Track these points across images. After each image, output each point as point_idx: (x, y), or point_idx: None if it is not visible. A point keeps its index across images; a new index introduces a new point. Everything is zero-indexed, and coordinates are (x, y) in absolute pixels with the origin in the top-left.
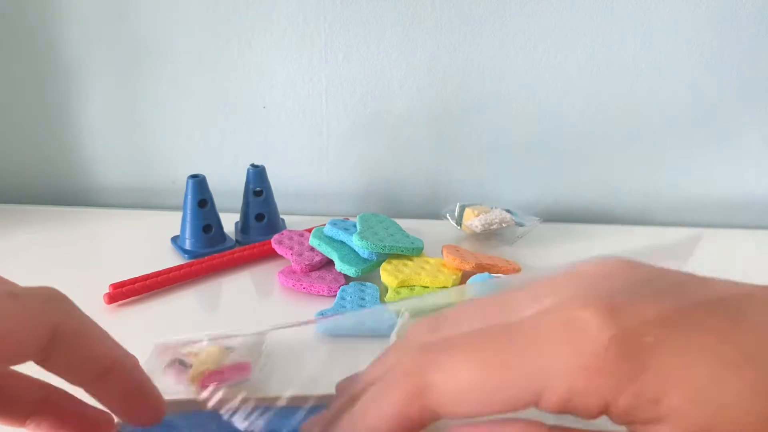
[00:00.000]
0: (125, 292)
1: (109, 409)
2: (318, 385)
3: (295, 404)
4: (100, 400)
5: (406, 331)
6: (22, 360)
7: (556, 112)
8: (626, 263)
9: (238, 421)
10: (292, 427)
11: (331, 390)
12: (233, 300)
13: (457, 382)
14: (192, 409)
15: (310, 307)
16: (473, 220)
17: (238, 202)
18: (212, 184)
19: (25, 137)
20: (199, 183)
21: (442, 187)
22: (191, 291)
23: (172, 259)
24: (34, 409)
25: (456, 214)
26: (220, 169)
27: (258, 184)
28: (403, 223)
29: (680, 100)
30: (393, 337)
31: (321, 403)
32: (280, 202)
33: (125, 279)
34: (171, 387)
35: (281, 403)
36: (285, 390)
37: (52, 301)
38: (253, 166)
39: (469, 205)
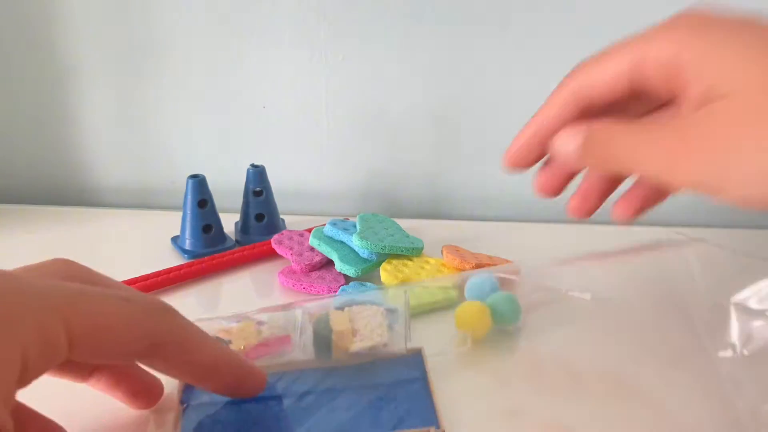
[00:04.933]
0: None
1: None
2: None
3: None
4: (205, 389)
5: None
6: (123, 358)
7: None
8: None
9: None
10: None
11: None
12: (233, 300)
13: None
14: None
15: None
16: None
17: (238, 202)
18: (212, 184)
19: (24, 137)
20: (199, 183)
21: (442, 187)
22: (191, 291)
23: (172, 259)
24: (96, 368)
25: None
26: (220, 169)
27: (258, 184)
28: (403, 223)
29: None
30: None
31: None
32: (280, 202)
33: (125, 279)
34: None
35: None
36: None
37: (156, 312)
38: (253, 166)
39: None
